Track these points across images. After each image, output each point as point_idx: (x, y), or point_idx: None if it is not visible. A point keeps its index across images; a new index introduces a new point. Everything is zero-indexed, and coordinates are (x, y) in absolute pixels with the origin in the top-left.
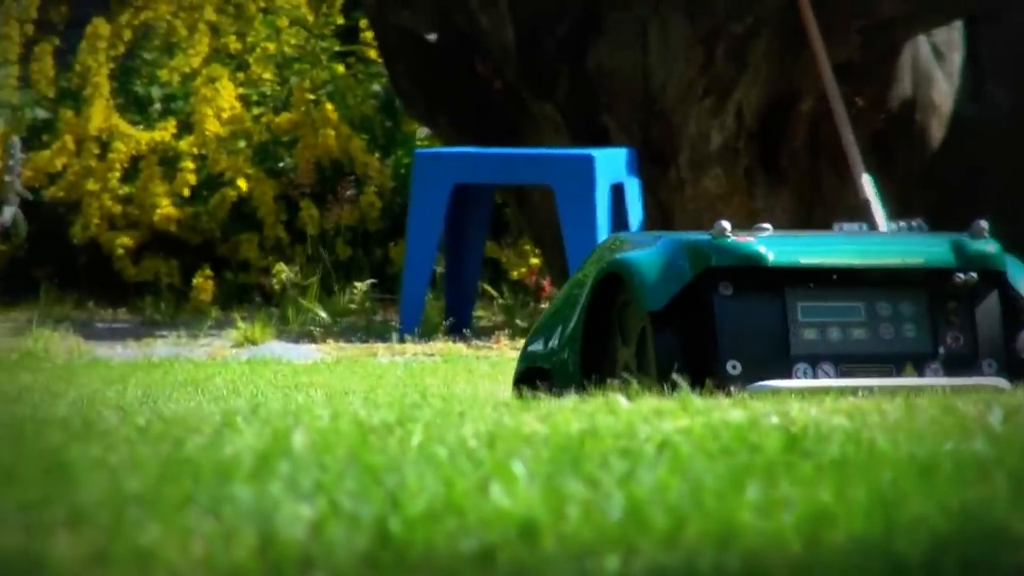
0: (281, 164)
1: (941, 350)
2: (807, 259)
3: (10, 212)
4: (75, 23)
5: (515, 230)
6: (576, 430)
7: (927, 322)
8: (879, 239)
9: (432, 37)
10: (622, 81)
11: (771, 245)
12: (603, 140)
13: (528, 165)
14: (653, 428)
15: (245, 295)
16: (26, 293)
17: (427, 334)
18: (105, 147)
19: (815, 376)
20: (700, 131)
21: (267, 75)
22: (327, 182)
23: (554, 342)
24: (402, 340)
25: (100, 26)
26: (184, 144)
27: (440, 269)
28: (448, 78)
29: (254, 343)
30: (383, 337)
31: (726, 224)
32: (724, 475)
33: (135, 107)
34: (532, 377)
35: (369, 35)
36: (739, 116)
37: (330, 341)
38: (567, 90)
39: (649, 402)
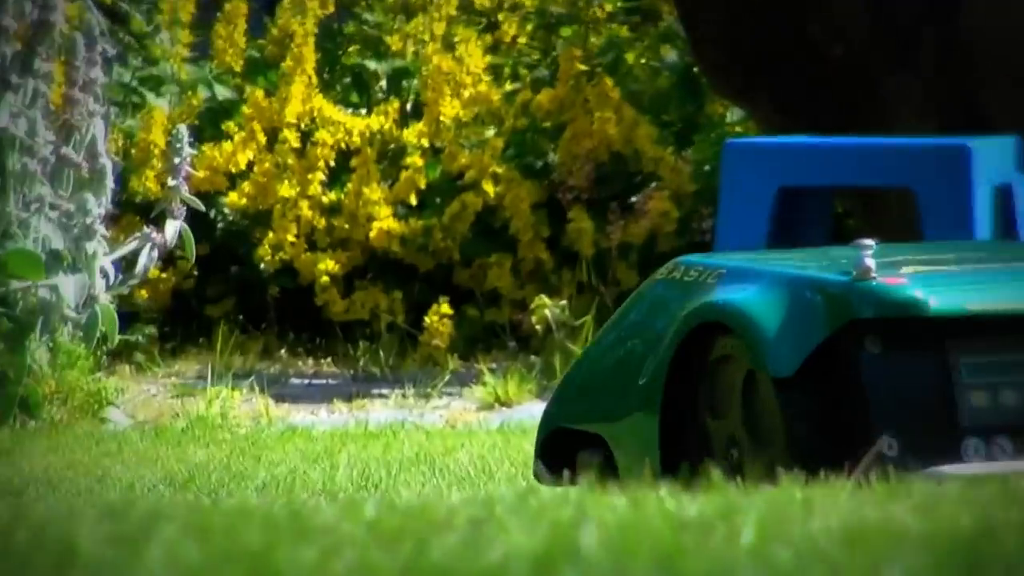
0: (542, 160)
1: None
2: (976, 304)
3: (174, 228)
4: None
5: None
6: (968, 527)
7: None
8: None
9: None
10: (1007, 47)
11: (928, 287)
12: (982, 126)
13: (879, 160)
14: None
15: (494, 339)
16: (196, 337)
17: None
18: (306, 139)
19: (990, 454)
20: None
21: (524, 39)
22: (605, 183)
23: (612, 403)
24: None
25: None
26: (411, 134)
27: None
28: (770, 44)
29: (508, 404)
30: None
31: (870, 260)
32: None
33: (349, 86)
34: (566, 444)
35: None
36: None
37: None
38: (933, 59)
39: None
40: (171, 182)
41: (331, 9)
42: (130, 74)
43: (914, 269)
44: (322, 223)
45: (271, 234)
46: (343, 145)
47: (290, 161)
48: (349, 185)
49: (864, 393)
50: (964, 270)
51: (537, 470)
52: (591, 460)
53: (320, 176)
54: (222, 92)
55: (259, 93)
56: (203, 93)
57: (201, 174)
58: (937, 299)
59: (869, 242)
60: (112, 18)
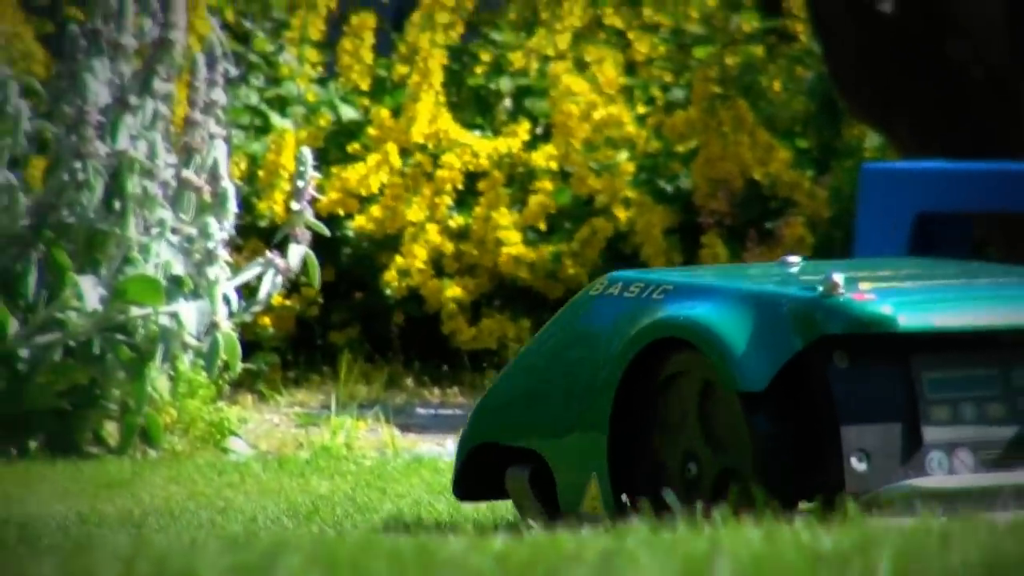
0: (675, 184)
1: None
2: (943, 320)
3: (298, 253)
4: None
5: None
6: None
7: None
8: (1012, 288)
9: (887, 9)
10: None
11: (896, 303)
12: None
13: (1019, 185)
14: None
15: None
16: (320, 365)
17: None
18: (431, 160)
19: (952, 467)
20: None
21: (657, 60)
22: (740, 209)
23: (552, 419)
24: None
25: None
26: (540, 156)
27: None
28: (907, 67)
29: None
30: None
31: (838, 276)
32: None
33: (474, 106)
34: (490, 460)
35: (797, 4)
36: None
37: None
38: None
39: None
40: (295, 206)
41: (460, 30)
42: (255, 95)
43: (872, 285)
44: (450, 248)
45: (398, 259)
46: (470, 168)
47: (421, 185)
48: (477, 209)
49: (833, 407)
50: (920, 286)
51: (456, 487)
52: (520, 476)
53: (448, 200)
54: (347, 113)
55: (385, 113)
56: (329, 114)
57: (332, 196)
58: (905, 315)
59: (795, 258)
60: (236, 37)
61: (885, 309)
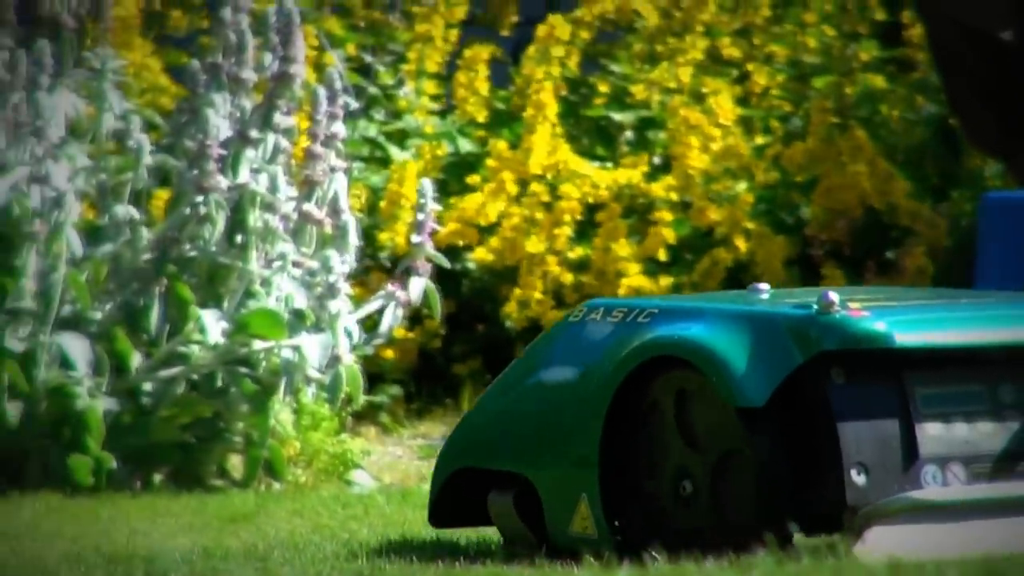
0: (794, 215)
1: None
2: (935, 338)
3: (419, 285)
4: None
5: None
6: None
7: None
8: (999, 306)
9: (1007, 37)
10: None
11: (891, 321)
12: None
13: None
14: None
15: None
16: (443, 397)
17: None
18: (550, 191)
19: (945, 481)
20: None
21: (775, 90)
22: (859, 239)
23: (538, 443)
24: None
25: (559, 26)
26: (659, 188)
27: None
28: None
29: None
30: None
31: (834, 295)
32: None
33: (595, 137)
34: (466, 486)
35: (917, 33)
36: None
37: None
38: None
39: None
40: (416, 239)
41: (576, 59)
42: (375, 128)
43: (860, 304)
44: (569, 279)
45: (517, 291)
46: (590, 199)
47: (538, 215)
48: (596, 240)
49: (832, 422)
50: (910, 305)
51: (432, 514)
52: (504, 500)
53: (567, 231)
54: (465, 145)
55: (503, 144)
56: (447, 146)
57: (451, 227)
58: (900, 333)
59: (764, 285)
60: (358, 70)
61: (881, 326)
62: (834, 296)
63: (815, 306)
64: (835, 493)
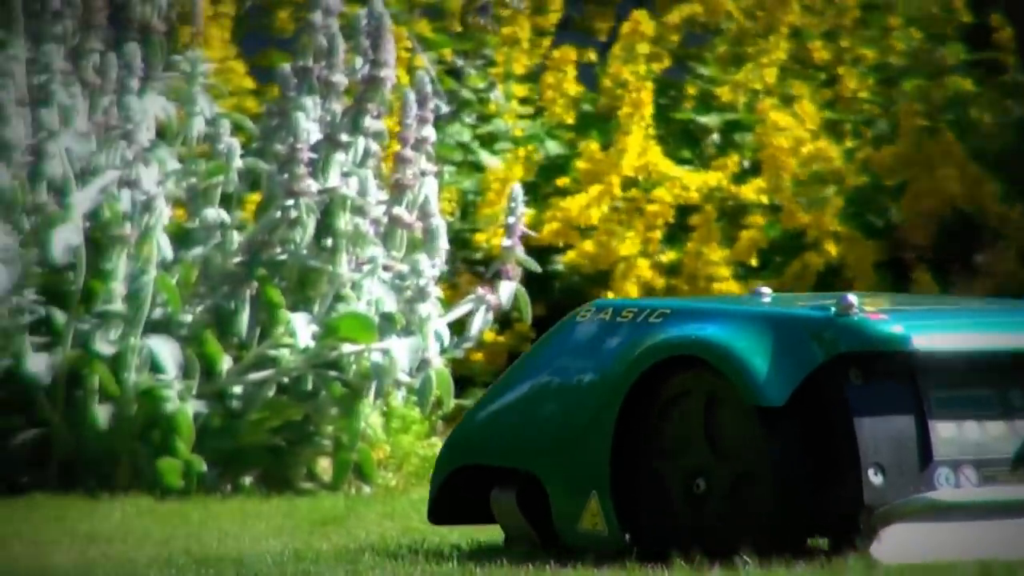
0: (884, 218)
1: None
2: (952, 341)
3: (509, 288)
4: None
5: None
6: None
7: None
8: (1011, 313)
9: None
10: None
11: (908, 324)
12: None
13: None
14: None
15: None
16: None
17: None
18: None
19: (957, 483)
20: None
21: (864, 93)
22: (949, 242)
23: (548, 440)
24: None
25: (643, 22)
26: (749, 191)
27: None
28: None
29: None
30: None
31: (853, 297)
32: None
33: (682, 139)
34: (465, 484)
35: (1006, 36)
36: None
37: None
38: None
39: None
40: (506, 242)
41: (666, 63)
42: (466, 132)
43: (895, 309)
44: (661, 283)
45: (609, 294)
46: (681, 202)
47: (633, 219)
48: (688, 244)
49: (850, 423)
50: (927, 309)
51: (431, 512)
52: (507, 498)
53: (658, 235)
54: (553, 147)
55: (594, 146)
56: (537, 149)
57: (553, 227)
58: (917, 335)
59: (766, 289)
60: (450, 74)
61: (899, 329)
62: (853, 298)
63: (833, 308)
64: (853, 493)
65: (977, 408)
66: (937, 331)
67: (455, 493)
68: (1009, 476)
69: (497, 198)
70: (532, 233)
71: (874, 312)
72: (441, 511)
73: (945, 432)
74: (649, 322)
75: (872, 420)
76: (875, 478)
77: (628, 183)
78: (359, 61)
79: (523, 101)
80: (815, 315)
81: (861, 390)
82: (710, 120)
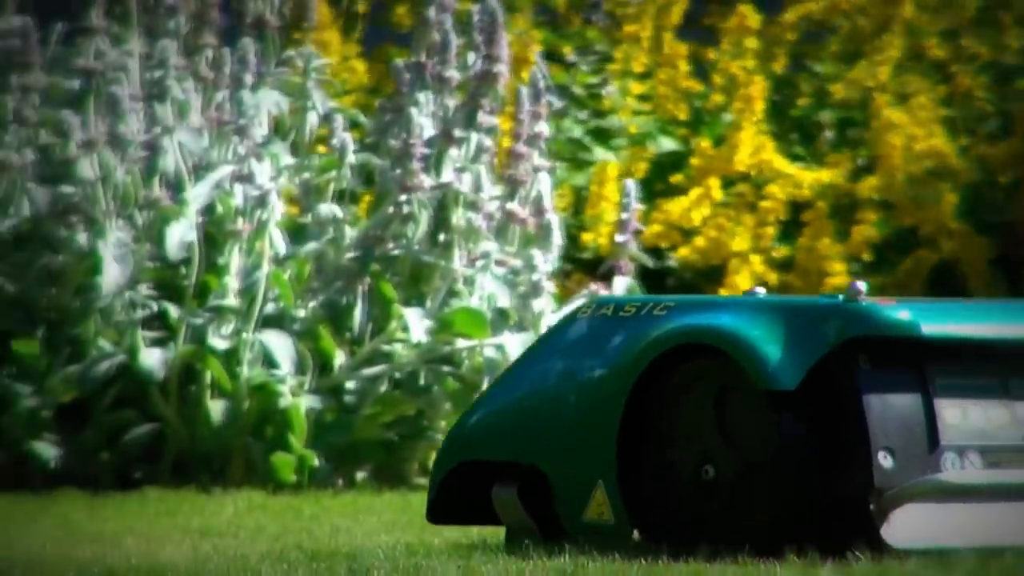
0: (999, 215)
1: None
2: (956, 329)
3: (623, 284)
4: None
5: None
6: None
7: None
8: (1008, 305)
9: None
10: None
11: (915, 311)
12: None
13: None
14: None
15: None
16: None
17: None
18: (755, 191)
19: (963, 467)
20: None
21: (978, 91)
22: None
23: (552, 434)
24: None
25: (749, 16)
26: (864, 188)
27: None
28: None
29: None
30: None
31: (862, 284)
32: None
33: (796, 135)
34: (471, 476)
35: None
36: None
37: None
38: None
39: None
40: (619, 238)
41: (783, 61)
42: (578, 128)
43: (905, 300)
44: (774, 278)
45: (723, 291)
46: (794, 198)
47: (744, 215)
48: (801, 240)
49: (860, 407)
50: (933, 301)
51: (431, 511)
52: (508, 493)
53: (772, 230)
54: (667, 144)
55: (707, 143)
56: (651, 146)
57: (655, 229)
58: (925, 322)
59: (760, 289)
60: (563, 70)
61: (907, 315)
62: (861, 285)
63: (842, 295)
64: (863, 476)
65: (982, 395)
66: (945, 319)
67: (455, 493)
68: (1012, 462)
69: (606, 195)
70: (644, 229)
71: (883, 298)
72: (439, 511)
73: (951, 418)
74: (653, 315)
75: (882, 404)
76: (885, 461)
77: (739, 178)
78: (472, 57)
79: (641, 98)
80: (824, 302)
81: (870, 374)
82: (825, 116)
